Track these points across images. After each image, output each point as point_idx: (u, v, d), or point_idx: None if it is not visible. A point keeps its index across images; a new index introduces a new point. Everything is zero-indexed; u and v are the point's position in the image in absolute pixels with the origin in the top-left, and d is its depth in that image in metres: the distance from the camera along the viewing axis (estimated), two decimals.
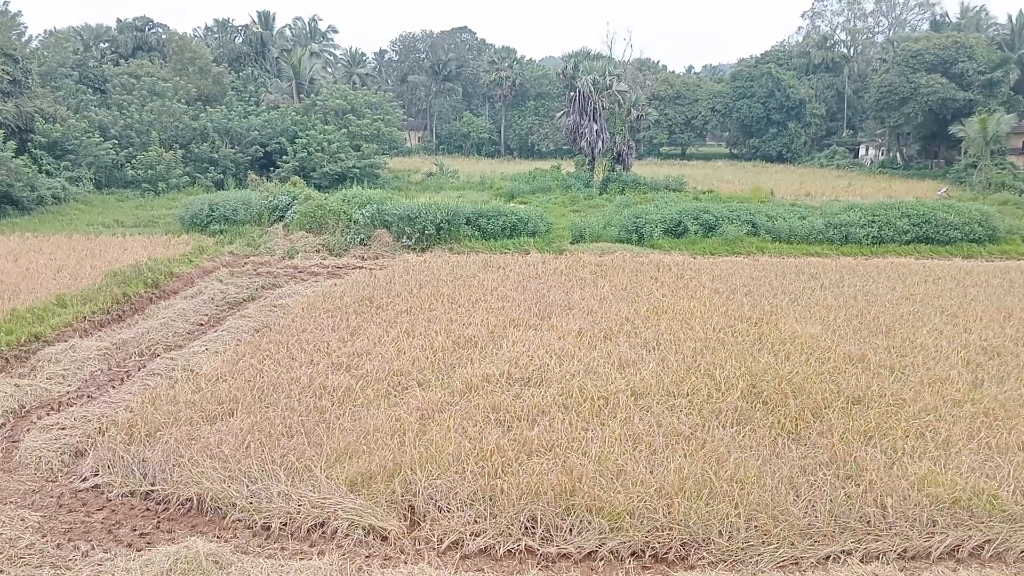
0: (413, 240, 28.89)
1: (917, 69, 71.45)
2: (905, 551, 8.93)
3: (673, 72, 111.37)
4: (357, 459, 10.44)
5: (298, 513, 9.52)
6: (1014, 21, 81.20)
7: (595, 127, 48.66)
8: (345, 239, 29.37)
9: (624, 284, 21.87)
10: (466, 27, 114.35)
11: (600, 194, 45.71)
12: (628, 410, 12.04)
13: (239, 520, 9.65)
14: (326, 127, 48.80)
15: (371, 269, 25.21)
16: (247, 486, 9.99)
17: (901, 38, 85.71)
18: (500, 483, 9.66)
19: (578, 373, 13.69)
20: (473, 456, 10.35)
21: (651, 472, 9.97)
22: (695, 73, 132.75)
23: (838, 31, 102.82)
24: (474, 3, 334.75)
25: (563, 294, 20.33)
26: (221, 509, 9.82)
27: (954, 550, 9.01)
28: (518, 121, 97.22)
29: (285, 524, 9.47)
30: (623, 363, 14.41)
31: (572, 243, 30.13)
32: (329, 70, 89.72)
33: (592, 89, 48.43)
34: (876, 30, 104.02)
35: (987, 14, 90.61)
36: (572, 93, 50.38)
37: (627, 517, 9.11)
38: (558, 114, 61.73)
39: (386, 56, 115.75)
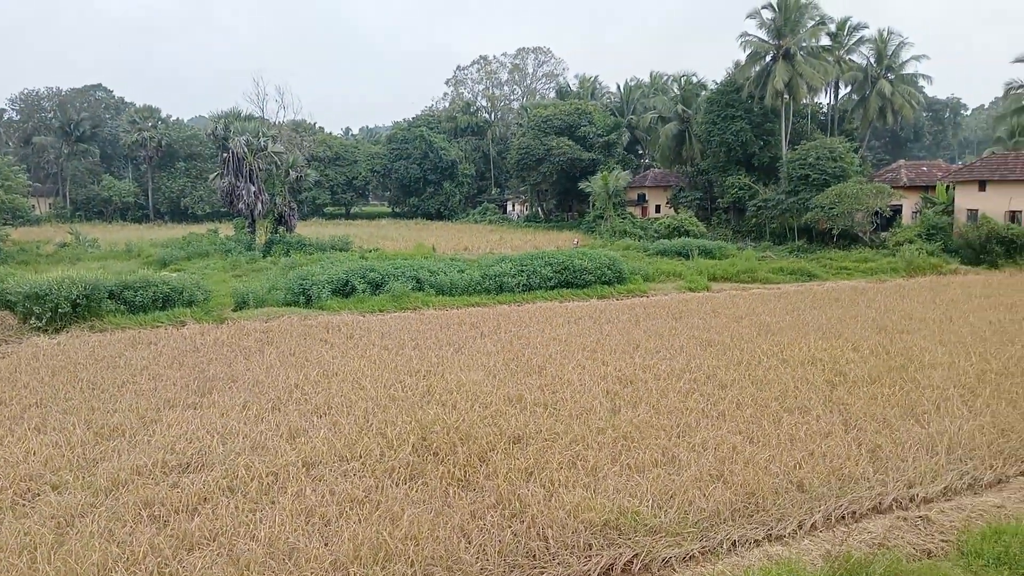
0: (44, 321, 25.16)
1: (548, 132, 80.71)
2: None
3: (331, 134, 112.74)
4: None
5: None
6: (622, 90, 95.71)
7: (252, 189, 47.25)
8: None
9: (292, 349, 21.25)
10: (101, 84, 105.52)
11: (264, 257, 44.35)
12: (300, 482, 11.55)
13: None
14: None
15: None
16: None
17: (533, 105, 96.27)
18: None
19: (244, 450, 12.86)
20: (123, 562, 9.14)
21: (325, 545, 9.62)
22: (352, 135, 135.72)
23: (479, 98, 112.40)
24: (108, 60, 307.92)
25: (225, 366, 19.12)
26: None
27: (609, 569, 9.81)
28: (168, 183, 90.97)
29: None
30: (293, 433, 13.87)
31: (235, 310, 28.61)
32: None
33: (246, 150, 47.07)
34: (512, 97, 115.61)
35: (600, 84, 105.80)
36: (225, 154, 48.48)
37: None
38: (212, 176, 58.90)
39: (5, 116, 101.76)
